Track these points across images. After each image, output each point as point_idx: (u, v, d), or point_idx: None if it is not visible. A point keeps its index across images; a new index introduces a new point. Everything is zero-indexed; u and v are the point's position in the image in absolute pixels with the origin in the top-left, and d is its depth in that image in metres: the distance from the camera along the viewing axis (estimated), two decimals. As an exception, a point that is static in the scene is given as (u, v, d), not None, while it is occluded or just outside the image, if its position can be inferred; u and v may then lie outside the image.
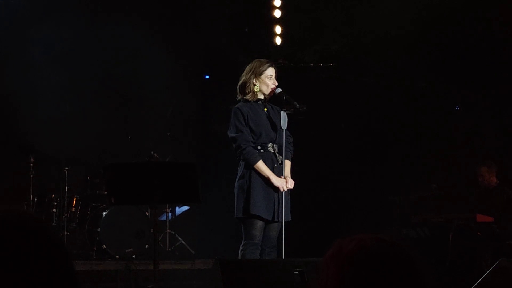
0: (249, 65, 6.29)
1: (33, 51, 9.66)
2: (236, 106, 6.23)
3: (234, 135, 6.12)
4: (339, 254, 1.62)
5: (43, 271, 1.47)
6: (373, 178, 10.30)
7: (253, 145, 6.12)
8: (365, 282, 1.57)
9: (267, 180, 6.07)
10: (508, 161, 9.54)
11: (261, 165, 6.06)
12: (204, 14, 10.12)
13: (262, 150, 6.13)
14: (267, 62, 6.27)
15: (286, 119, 6.19)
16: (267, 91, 6.19)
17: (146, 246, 9.10)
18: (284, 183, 6.09)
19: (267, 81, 6.18)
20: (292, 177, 6.23)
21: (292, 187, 6.17)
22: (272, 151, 6.18)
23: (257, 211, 6.00)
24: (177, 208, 10.15)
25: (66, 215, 9.39)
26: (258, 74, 6.18)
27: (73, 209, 9.55)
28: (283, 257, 6.09)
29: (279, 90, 6.22)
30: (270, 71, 6.20)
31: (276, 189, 6.09)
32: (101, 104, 9.86)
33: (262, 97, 6.23)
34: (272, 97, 6.27)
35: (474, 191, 9.44)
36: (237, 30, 10.43)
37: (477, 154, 9.55)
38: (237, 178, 6.19)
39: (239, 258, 6.07)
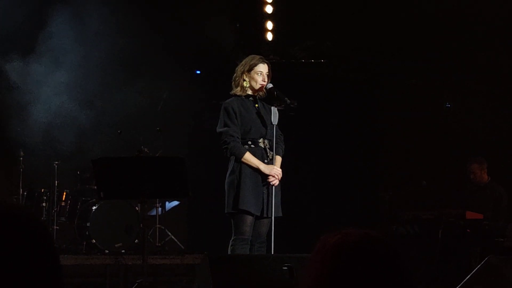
0: (244, 59, 6.30)
1: (22, 46, 9.62)
2: (226, 101, 6.22)
3: (220, 130, 6.13)
4: (323, 247, 1.63)
5: (30, 264, 1.46)
6: (363, 174, 10.32)
7: (242, 140, 6.11)
8: (345, 274, 1.57)
9: (256, 173, 6.06)
10: (498, 158, 9.56)
11: (248, 157, 6.06)
12: (196, 9, 10.10)
13: (252, 146, 6.13)
14: (259, 58, 6.27)
15: (277, 114, 6.19)
16: (256, 86, 6.19)
17: (136, 241, 9.09)
18: (273, 169, 6.07)
19: (256, 77, 6.18)
20: (283, 172, 6.22)
21: (279, 179, 6.15)
22: (263, 147, 6.17)
23: (246, 206, 6.00)
24: (167, 203, 10.14)
25: (55, 209, 9.38)
26: (247, 69, 6.19)
27: (63, 204, 9.54)
28: (273, 253, 6.09)
29: (270, 85, 6.22)
30: (261, 67, 6.19)
31: (266, 184, 6.09)
32: (91, 98, 9.83)
33: (250, 92, 6.22)
34: (266, 96, 6.26)
35: (465, 188, 9.46)
36: (228, 25, 10.41)
37: (468, 151, 9.57)
38: (227, 174, 6.19)
39: (228, 253, 6.07)
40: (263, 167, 6.06)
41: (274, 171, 6.08)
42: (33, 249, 1.48)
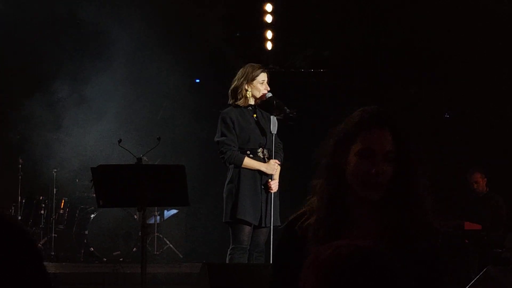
0: (241, 69, 6.25)
1: (21, 52, 9.64)
2: (224, 111, 6.21)
3: (217, 139, 6.13)
4: (315, 261, 1.62)
5: (14, 271, 1.45)
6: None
7: (240, 150, 6.11)
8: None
9: (255, 182, 6.06)
10: (498, 169, 9.56)
11: (248, 162, 6.06)
12: (196, 18, 10.12)
13: (251, 155, 6.13)
14: (259, 67, 6.24)
15: (276, 123, 6.19)
16: (258, 95, 6.18)
17: (134, 249, 9.08)
18: (275, 165, 6.10)
19: (259, 87, 6.17)
20: (281, 181, 6.22)
21: (276, 190, 6.15)
22: (262, 156, 6.17)
23: (243, 216, 6.00)
24: (165, 211, 10.13)
25: (54, 217, 9.38)
26: (250, 79, 6.16)
27: (61, 211, 9.54)
28: (271, 262, 6.08)
29: (269, 94, 6.21)
30: (263, 76, 6.18)
31: (264, 193, 6.09)
32: (91, 106, 9.83)
33: (253, 102, 6.22)
34: (262, 102, 6.26)
35: (463, 198, 9.45)
36: (228, 34, 10.43)
37: (466, 162, 9.57)
38: (226, 182, 6.18)
39: (227, 262, 6.06)
40: (265, 168, 6.08)
41: (275, 168, 6.10)
42: (16, 256, 1.46)
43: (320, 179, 2.57)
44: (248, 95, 6.18)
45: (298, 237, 2.48)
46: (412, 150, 2.50)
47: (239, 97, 6.18)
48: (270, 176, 6.13)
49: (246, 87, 6.17)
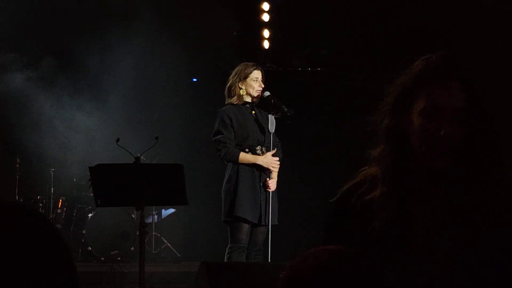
0: (235, 68, 6.30)
1: (17, 55, 9.64)
2: (221, 109, 6.24)
3: (214, 137, 6.15)
4: (298, 272, 1.59)
5: (46, 264, 1.43)
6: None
7: (239, 147, 6.12)
8: None
9: (254, 180, 6.07)
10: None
11: (244, 156, 6.09)
12: (192, 17, 10.11)
13: (250, 153, 6.14)
14: (252, 65, 6.28)
15: (274, 122, 6.20)
16: (254, 93, 6.20)
17: (132, 248, 9.08)
18: (271, 159, 6.10)
19: (253, 84, 6.19)
20: (280, 180, 6.23)
21: (274, 189, 6.16)
22: (260, 154, 6.18)
23: (242, 214, 6.01)
24: (163, 210, 10.13)
25: (51, 216, 9.38)
26: (243, 77, 6.20)
27: (59, 211, 9.54)
28: (269, 261, 6.09)
29: (267, 93, 6.23)
30: (256, 74, 6.21)
31: (263, 191, 6.10)
32: (88, 105, 9.83)
33: (249, 99, 6.23)
34: (260, 101, 6.27)
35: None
36: (225, 33, 10.42)
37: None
38: (224, 181, 6.19)
39: (225, 261, 6.07)
40: (261, 161, 6.09)
41: (271, 161, 6.10)
42: (48, 249, 1.44)
43: (380, 146, 2.14)
44: (242, 93, 6.20)
45: (357, 211, 2.07)
46: (489, 109, 2.07)
47: (232, 94, 6.22)
48: (269, 175, 6.14)
49: (239, 85, 6.20)
